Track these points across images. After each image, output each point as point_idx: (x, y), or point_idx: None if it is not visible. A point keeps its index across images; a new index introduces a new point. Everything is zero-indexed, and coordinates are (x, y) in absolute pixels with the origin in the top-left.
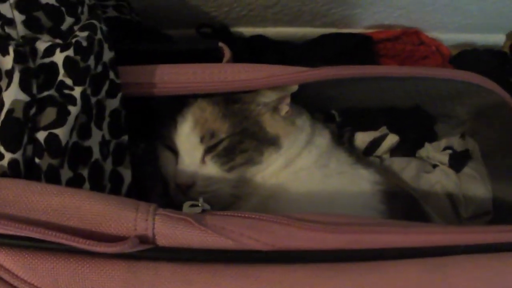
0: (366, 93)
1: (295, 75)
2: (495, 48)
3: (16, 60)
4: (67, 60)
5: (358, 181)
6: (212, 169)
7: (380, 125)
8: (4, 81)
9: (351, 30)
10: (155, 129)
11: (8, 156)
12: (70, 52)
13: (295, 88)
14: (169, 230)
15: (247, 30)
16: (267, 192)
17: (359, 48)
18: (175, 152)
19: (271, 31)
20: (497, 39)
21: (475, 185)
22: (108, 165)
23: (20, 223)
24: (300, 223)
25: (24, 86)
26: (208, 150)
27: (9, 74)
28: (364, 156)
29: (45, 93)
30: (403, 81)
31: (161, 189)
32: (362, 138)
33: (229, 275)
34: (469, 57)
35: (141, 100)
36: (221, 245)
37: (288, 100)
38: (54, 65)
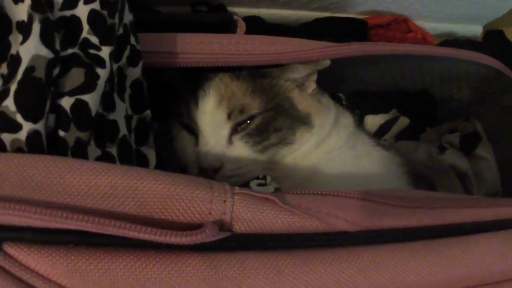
0: (372, 75)
1: (327, 49)
2: (473, 39)
3: (34, 8)
4: (93, 14)
5: (385, 163)
6: (242, 150)
7: (387, 108)
8: (15, 36)
9: (345, 14)
10: (168, 107)
11: (27, 126)
12: (96, 5)
13: (327, 63)
14: (251, 213)
15: (241, 11)
16: (300, 174)
17: (354, 33)
18: (194, 132)
19: (266, 12)
20: (475, 30)
21: (486, 166)
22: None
23: (56, 211)
24: (386, 199)
25: (46, 39)
26: (236, 129)
27: (23, 26)
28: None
29: (70, 51)
30: (416, 63)
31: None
32: (372, 121)
33: (323, 261)
34: (452, 47)
35: (152, 73)
36: (308, 228)
37: (315, 77)
38: (76, 19)
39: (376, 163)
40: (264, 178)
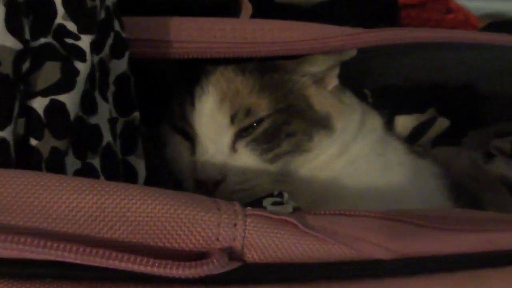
0: (404, 67)
1: (352, 37)
2: None
3: None
4: None
5: (420, 174)
6: (247, 158)
7: (422, 107)
8: None
9: None
10: (159, 107)
11: None
12: None
13: (353, 53)
14: (266, 238)
15: None
16: (318, 188)
17: (382, 14)
18: (189, 137)
19: None
20: None
21: None
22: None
23: (30, 238)
24: (425, 220)
25: (13, 26)
26: (240, 134)
27: None
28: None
29: (42, 40)
30: (459, 52)
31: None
32: (404, 123)
33: None
34: (500, 30)
35: (140, 67)
36: (335, 255)
37: (337, 70)
38: (48, 1)
39: (409, 175)
40: (280, 195)
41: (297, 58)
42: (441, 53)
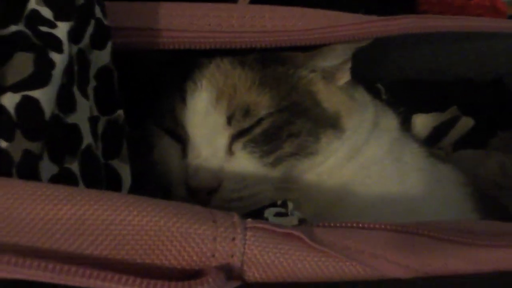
0: (423, 59)
1: (366, 25)
2: None
3: None
4: None
5: (441, 181)
6: (246, 162)
7: (443, 104)
8: None
9: None
10: (145, 104)
11: None
12: None
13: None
14: (268, 254)
15: None
16: (326, 196)
17: (398, 2)
18: (180, 139)
19: None
20: None
21: None
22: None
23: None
24: (449, 234)
25: None
26: (238, 135)
27: None
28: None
29: (12, 28)
30: (486, 42)
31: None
32: (423, 123)
33: None
34: None
35: (125, 59)
36: (347, 274)
37: (350, 63)
38: None
39: (428, 181)
40: (284, 205)
41: (303, 49)
42: (465, 44)
